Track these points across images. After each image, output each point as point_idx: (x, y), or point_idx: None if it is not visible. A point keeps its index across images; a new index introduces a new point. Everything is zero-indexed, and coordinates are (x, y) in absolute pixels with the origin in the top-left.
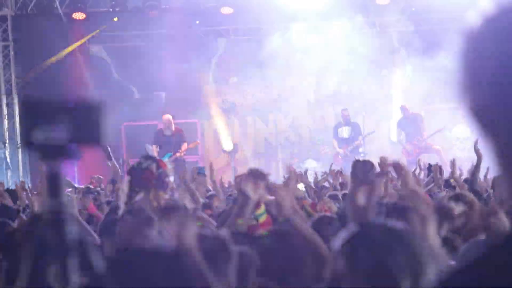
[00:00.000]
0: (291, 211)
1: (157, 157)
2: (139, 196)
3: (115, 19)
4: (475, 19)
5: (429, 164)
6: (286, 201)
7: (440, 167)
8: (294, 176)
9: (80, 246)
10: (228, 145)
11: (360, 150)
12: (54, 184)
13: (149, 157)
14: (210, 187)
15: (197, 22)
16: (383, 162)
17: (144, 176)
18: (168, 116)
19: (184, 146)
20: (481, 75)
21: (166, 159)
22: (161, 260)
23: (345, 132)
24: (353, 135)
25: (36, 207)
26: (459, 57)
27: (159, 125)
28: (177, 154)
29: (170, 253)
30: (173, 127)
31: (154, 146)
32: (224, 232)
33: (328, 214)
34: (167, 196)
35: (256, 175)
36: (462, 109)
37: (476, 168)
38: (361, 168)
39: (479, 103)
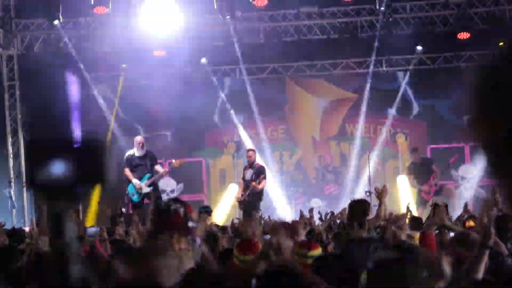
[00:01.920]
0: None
1: (136, 180)
2: (162, 237)
3: (124, 65)
4: (487, 56)
5: (435, 203)
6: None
7: (447, 206)
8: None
9: (84, 286)
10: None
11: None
12: (57, 224)
13: (178, 200)
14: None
15: (203, 60)
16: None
17: (172, 219)
18: (140, 137)
19: (159, 167)
20: (489, 110)
21: (145, 181)
22: None
23: (248, 174)
24: (254, 178)
25: (40, 247)
26: (469, 92)
27: (136, 150)
28: (159, 176)
29: None
30: (144, 149)
31: (127, 169)
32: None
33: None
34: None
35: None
36: (468, 145)
37: (484, 209)
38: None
39: (487, 137)
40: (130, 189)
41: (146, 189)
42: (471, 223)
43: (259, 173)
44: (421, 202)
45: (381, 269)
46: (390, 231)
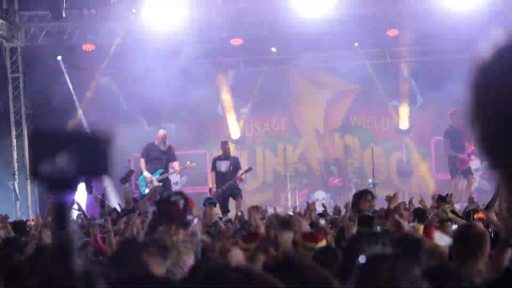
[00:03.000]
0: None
1: (148, 172)
2: (160, 229)
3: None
4: (486, 50)
5: (439, 195)
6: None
7: (451, 196)
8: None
9: (87, 278)
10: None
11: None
12: (60, 215)
13: (179, 193)
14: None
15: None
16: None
17: (170, 210)
18: (164, 131)
19: (176, 164)
20: (489, 104)
21: (157, 176)
22: None
23: (223, 166)
24: (231, 170)
25: (43, 239)
26: (469, 86)
27: (159, 144)
28: (172, 173)
29: (177, 285)
30: (167, 143)
31: (142, 160)
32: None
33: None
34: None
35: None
36: (471, 137)
37: (491, 201)
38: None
39: (486, 132)
40: (140, 180)
41: (156, 184)
42: (480, 214)
43: (237, 164)
44: (456, 171)
45: (371, 266)
46: (391, 221)
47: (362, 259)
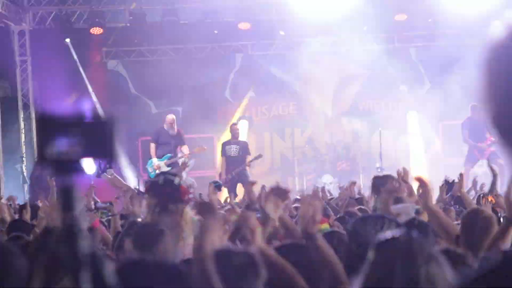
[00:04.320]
0: (316, 227)
1: (156, 158)
2: (170, 212)
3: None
4: (500, 31)
5: (446, 180)
6: (314, 216)
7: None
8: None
9: (92, 260)
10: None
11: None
12: (66, 198)
13: (176, 174)
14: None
15: (215, 31)
16: (404, 174)
17: (179, 192)
18: (173, 116)
19: (186, 148)
20: (502, 84)
21: (165, 160)
22: (167, 273)
23: (233, 150)
24: (241, 154)
25: (50, 221)
26: (482, 66)
27: (168, 128)
28: (180, 158)
29: (177, 267)
30: (175, 128)
31: (153, 145)
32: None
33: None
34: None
35: (279, 194)
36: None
37: (492, 185)
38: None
39: (499, 111)
40: (149, 164)
41: (164, 168)
42: (490, 198)
43: (246, 149)
44: (471, 159)
45: (388, 246)
46: (385, 204)
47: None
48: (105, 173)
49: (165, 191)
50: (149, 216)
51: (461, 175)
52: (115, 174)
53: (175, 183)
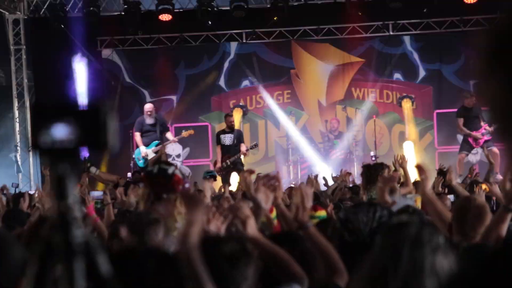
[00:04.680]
0: (306, 215)
1: (144, 146)
2: (163, 202)
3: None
4: (500, 17)
5: (439, 168)
6: (304, 204)
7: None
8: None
9: (87, 249)
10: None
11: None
12: (61, 186)
13: (170, 163)
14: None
15: (209, 22)
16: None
17: (173, 181)
18: (149, 105)
19: (169, 134)
20: (500, 71)
21: (152, 148)
22: (160, 261)
23: (227, 139)
24: (235, 143)
25: (45, 210)
26: (481, 53)
27: (145, 118)
28: (166, 143)
29: (170, 255)
30: (153, 116)
31: (137, 134)
32: (244, 235)
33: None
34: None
35: (268, 183)
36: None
37: (488, 173)
38: (374, 171)
39: (496, 99)
40: (136, 153)
41: (152, 156)
42: (484, 186)
43: (241, 137)
44: (465, 147)
45: (397, 231)
46: (382, 193)
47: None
48: (89, 171)
49: (159, 181)
50: (143, 205)
51: (449, 167)
52: (98, 170)
53: (168, 173)
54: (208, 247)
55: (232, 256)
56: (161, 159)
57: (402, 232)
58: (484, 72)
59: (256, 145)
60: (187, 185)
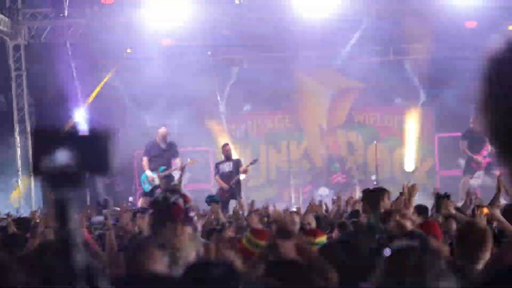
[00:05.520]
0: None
1: (150, 171)
2: (164, 230)
3: (129, 50)
4: (498, 44)
5: (437, 192)
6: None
7: (449, 196)
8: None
9: (88, 273)
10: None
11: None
12: (62, 212)
13: (176, 191)
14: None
15: (209, 53)
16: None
17: (173, 210)
18: (164, 129)
19: (179, 161)
20: (499, 97)
21: (159, 173)
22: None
23: (226, 167)
24: (234, 169)
25: (46, 235)
26: (481, 79)
27: (159, 142)
28: (173, 170)
29: (170, 281)
30: (167, 141)
31: (145, 159)
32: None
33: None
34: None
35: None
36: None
37: (494, 199)
38: (374, 196)
39: (497, 124)
40: (143, 177)
41: (158, 181)
42: (484, 210)
43: (239, 164)
44: (469, 170)
45: (399, 257)
46: (394, 221)
47: (387, 252)
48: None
49: (162, 208)
50: (148, 231)
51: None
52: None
53: (170, 201)
54: (196, 271)
55: (219, 280)
56: (174, 187)
57: (404, 259)
58: (482, 97)
59: (256, 160)
60: (191, 214)
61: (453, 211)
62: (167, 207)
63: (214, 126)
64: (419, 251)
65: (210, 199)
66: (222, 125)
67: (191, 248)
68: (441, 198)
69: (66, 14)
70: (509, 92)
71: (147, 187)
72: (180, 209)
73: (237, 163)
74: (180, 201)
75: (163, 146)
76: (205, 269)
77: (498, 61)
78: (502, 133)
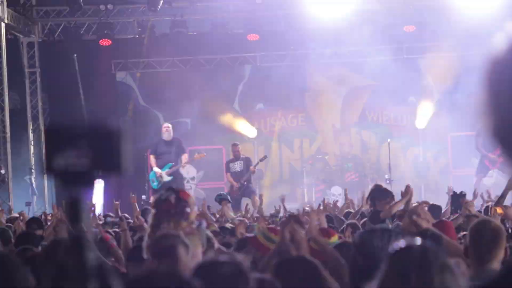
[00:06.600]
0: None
1: (157, 168)
2: (163, 227)
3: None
4: (501, 43)
5: (453, 191)
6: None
7: (464, 195)
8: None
9: (100, 272)
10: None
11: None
12: (75, 210)
13: (170, 188)
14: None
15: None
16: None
17: (164, 207)
18: (167, 124)
19: (185, 157)
20: (503, 96)
21: (166, 170)
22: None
23: (237, 166)
24: (245, 168)
25: (59, 233)
26: (483, 79)
27: (162, 133)
28: (180, 166)
29: (188, 280)
30: (171, 134)
31: (152, 156)
32: (241, 257)
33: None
34: (191, 225)
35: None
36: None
37: (500, 198)
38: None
39: (500, 124)
40: (151, 175)
41: (166, 178)
42: (498, 210)
43: (249, 163)
44: (482, 169)
45: (402, 256)
46: (409, 221)
47: (393, 249)
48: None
49: (161, 207)
50: (150, 229)
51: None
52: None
53: (168, 199)
54: (204, 269)
55: (229, 277)
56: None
57: (407, 256)
58: (487, 102)
59: (265, 157)
60: (186, 209)
61: (475, 211)
62: (161, 205)
63: (227, 125)
64: (419, 248)
65: (220, 198)
66: (235, 124)
67: (192, 243)
68: (458, 197)
69: (80, 11)
70: (510, 93)
71: (156, 185)
72: (170, 206)
73: (247, 161)
74: (172, 197)
75: (166, 137)
76: (214, 269)
77: (500, 62)
78: (505, 133)
